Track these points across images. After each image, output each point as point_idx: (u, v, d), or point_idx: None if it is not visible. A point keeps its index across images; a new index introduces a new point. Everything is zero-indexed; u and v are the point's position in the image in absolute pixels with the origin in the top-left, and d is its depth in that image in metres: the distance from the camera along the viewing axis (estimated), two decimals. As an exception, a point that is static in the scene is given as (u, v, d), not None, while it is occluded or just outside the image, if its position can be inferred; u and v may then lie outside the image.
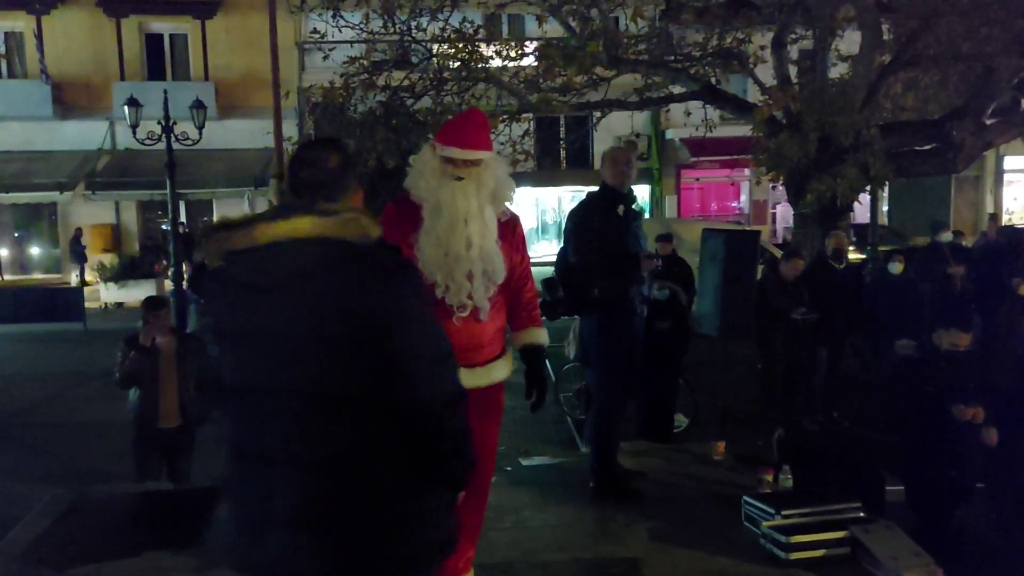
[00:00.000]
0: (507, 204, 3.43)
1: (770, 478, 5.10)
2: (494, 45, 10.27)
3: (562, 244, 5.46)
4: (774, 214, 24.69)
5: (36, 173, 19.84)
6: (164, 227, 19.52)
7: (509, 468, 6.00)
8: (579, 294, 5.08)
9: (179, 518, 4.99)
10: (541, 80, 9.78)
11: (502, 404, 3.59)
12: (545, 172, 22.28)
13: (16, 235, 22.05)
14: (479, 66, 9.69)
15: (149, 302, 5.98)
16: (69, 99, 20.95)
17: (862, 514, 4.44)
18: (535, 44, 10.47)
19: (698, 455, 6.05)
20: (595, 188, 5.31)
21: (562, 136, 20.21)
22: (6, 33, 21.12)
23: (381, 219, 3.45)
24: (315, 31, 10.36)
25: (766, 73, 10.57)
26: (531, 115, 10.87)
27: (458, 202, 3.26)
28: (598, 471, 5.21)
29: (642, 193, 23.34)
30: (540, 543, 4.61)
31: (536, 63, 9.83)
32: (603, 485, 5.18)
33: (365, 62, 9.95)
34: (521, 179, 16.92)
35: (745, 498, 4.67)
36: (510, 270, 3.43)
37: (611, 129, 12.88)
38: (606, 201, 5.15)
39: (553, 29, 10.39)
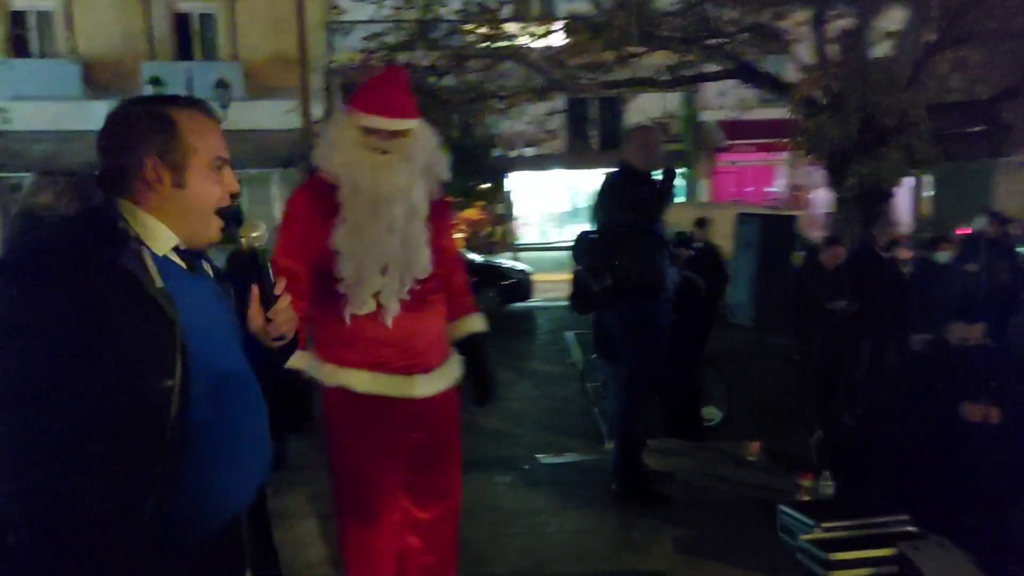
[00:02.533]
0: (438, 181, 2.96)
1: (808, 483, 4.73)
2: (520, 22, 9.88)
3: (589, 231, 5.09)
4: (812, 199, 24.06)
5: (66, 153, 19.76)
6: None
7: (527, 466, 5.67)
8: (625, 280, 4.71)
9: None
10: (568, 57, 9.39)
11: (459, 407, 3.20)
12: (576, 154, 21.86)
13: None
14: (503, 44, 9.32)
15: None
16: (99, 79, 20.83)
17: (912, 528, 4.05)
18: (563, 22, 10.08)
19: (730, 455, 5.68)
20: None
21: (593, 117, 19.77)
22: (38, 12, 21.07)
23: (290, 206, 2.97)
24: (335, 7, 10.04)
25: (805, 52, 10.10)
26: (560, 95, 10.48)
27: (381, 180, 2.79)
28: (621, 472, 4.88)
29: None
30: (555, 551, 4.29)
31: (564, 40, 9.43)
32: (627, 487, 4.85)
33: (391, 40, 9.63)
34: (550, 161, 16.73)
35: (781, 507, 4.30)
36: (441, 257, 3.00)
37: (643, 110, 12.47)
38: (631, 183, 4.80)
39: (583, 7, 10.01)
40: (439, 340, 3.04)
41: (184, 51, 21.44)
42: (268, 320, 1.86)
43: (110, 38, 20.95)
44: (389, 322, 2.86)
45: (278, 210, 19.46)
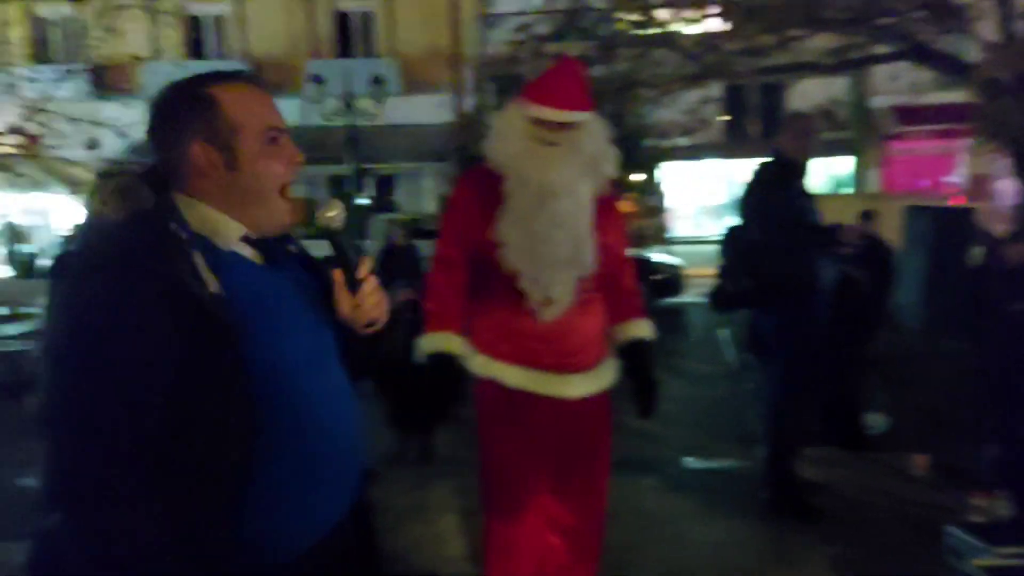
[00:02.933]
0: (606, 176, 2.86)
1: (982, 503, 4.31)
2: (672, 8, 9.54)
3: (736, 225, 4.84)
4: (997, 190, 22.25)
5: (234, 149, 21.05)
6: (357, 201, 20.13)
7: (673, 470, 5.48)
8: (767, 279, 4.46)
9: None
10: (724, 42, 8.98)
11: (611, 411, 3.09)
12: (734, 143, 21.11)
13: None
14: (653, 32, 9.02)
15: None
16: (267, 78, 21.92)
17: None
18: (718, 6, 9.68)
19: (894, 468, 5.29)
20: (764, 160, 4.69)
21: (753, 104, 19.02)
22: (213, 17, 22.46)
23: (454, 194, 2.95)
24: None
25: (988, 29, 9.25)
26: (715, 82, 10.06)
27: (549, 173, 2.71)
28: (773, 481, 4.61)
29: (843, 166, 21.67)
30: (698, 561, 4.10)
31: (719, 25, 9.04)
32: (778, 497, 4.58)
33: (543, 30, 9.55)
34: (706, 150, 16.07)
35: (949, 528, 3.93)
36: (606, 255, 2.89)
37: (807, 95, 11.82)
38: (784, 175, 4.52)
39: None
40: (596, 341, 2.96)
41: (345, 49, 22.31)
42: (356, 307, 1.72)
43: (277, 38, 22.09)
44: (550, 318, 2.81)
45: (429, 204, 19.93)
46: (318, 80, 14.81)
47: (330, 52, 22.11)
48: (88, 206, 1.60)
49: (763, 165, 4.72)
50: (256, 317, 1.51)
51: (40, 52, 20.98)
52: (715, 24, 9.21)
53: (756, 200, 4.60)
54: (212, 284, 1.45)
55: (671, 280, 13.35)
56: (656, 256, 14.54)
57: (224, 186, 1.56)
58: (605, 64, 9.51)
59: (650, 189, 18.63)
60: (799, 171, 4.55)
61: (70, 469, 1.35)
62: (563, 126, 2.72)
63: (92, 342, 1.37)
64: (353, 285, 1.71)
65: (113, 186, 1.58)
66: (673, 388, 9.00)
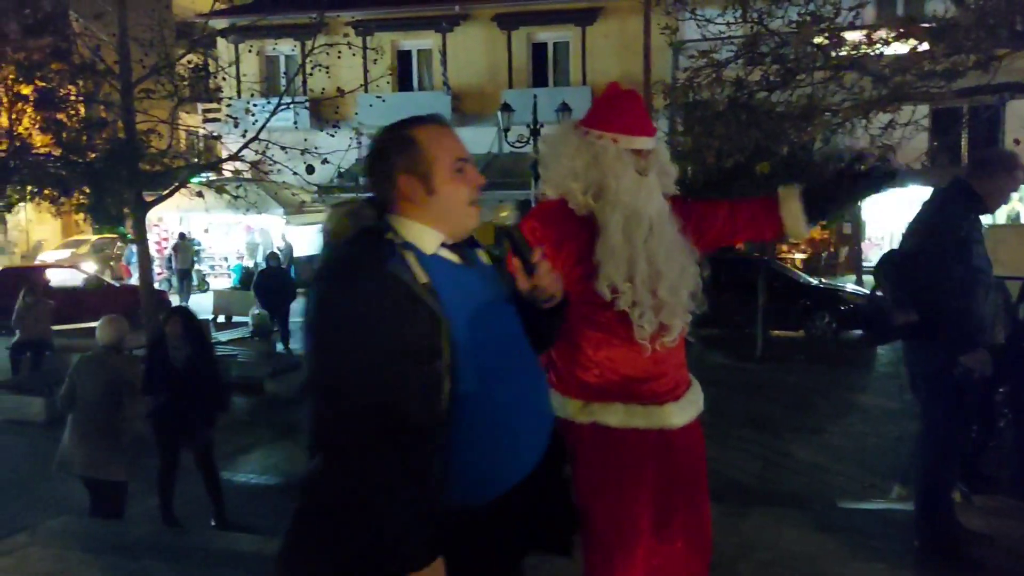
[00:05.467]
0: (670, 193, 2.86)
1: None
2: (859, 31, 9.11)
3: (894, 251, 4.59)
4: None
5: (431, 173, 22.21)
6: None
7: (821, 508, 5.24)
8: (928, 317, 4.19)
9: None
10: (916, 64, 8.48)
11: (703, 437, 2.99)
12: (942, 168, 19.65)
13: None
14: (838, 53, 8.65)
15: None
16: (466, 107, 23.12)
17: None
18: (923, 25, 9.12)
19: (1079, 525, 4.79)
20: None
21: (961, 128, 17.69)
22: (418, 51, 23.86)
23: (527, 233, 2.68)
24: (667, 27, 10.09)
25: None
26: (908, 105, 9.50)
27: (654, 203, 2.72)
28: (924, 528, 4.32)
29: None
30: (829, 604, 3.92)
31: (910, 45, 8.53)
32: (930, 546, 4.28)
33: (715, 56, 9.42)
34: (907, 176, 14.77)
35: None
36: None
37: (1022, 117, 10.83)
38: (967, 206, 4.20)
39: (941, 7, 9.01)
40: (684, 364, 2.92)
41: (539, 78, 22.98)
42: (535, 287, 2.09)
43: (477, 70, 23.14)
44: (661, 348, 2.74)
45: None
46: (506, 108, 15.36)
47: (525, 82, 22.85)
48: (326, 228, 1.98)
49: (941, 190, 4.40)
50: (459, 305, 1.91)
51: (269, 86, 23.10)
52: (905, 45, 8.73)
53: (930, 224, 4.28)
54: (422, 276, 1.87)
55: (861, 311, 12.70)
56: (847, 286, 13.87)
57: (425, 206, 1.98)
58: (787, 89, 9.26)
59: (844, 216, 17.79)
60: (983, 210, 4.22)
61: (328, 426, 1.81)
62: (648, 153, 2.75)
63: (344, 330, 1.82)
64: (529, 268, 2.10)
65: (345, 211, 1.98)
66: (848, 423, 8.59)
